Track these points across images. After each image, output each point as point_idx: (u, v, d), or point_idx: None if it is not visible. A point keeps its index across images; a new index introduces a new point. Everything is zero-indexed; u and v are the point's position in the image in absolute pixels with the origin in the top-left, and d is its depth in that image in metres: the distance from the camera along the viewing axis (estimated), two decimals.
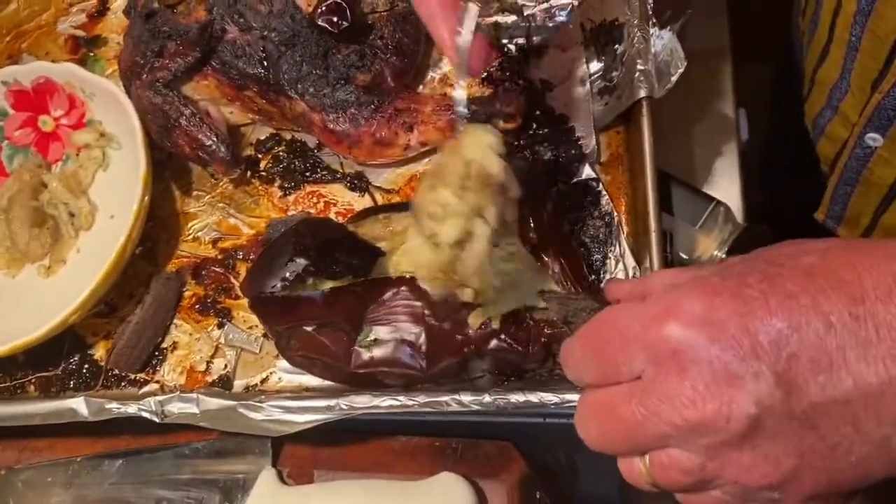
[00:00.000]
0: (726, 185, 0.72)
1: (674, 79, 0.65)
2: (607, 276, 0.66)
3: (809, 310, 0.35)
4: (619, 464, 0.42)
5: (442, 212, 0.54)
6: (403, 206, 0.70)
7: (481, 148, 0.55)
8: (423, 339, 0.61)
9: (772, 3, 0.97)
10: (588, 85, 0.71)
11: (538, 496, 0.65)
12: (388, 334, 0.62)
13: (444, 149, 0.58)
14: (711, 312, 0.36)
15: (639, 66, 0.66)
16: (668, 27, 0.66)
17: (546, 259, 0.59)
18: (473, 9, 0.52)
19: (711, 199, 0.69)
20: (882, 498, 0.41)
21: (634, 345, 0.38)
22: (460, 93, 0.56)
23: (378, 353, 0.62)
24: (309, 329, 0.63)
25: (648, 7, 0.67)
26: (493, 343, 0.59)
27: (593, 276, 0.66)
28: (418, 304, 0.62)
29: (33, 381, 0.72)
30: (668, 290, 0.40)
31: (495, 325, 0.59)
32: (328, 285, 0.64)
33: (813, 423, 0.35)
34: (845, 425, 0.35)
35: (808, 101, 0.82)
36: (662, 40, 0.66)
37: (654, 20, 0.67)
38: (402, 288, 0.62)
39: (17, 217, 0.74)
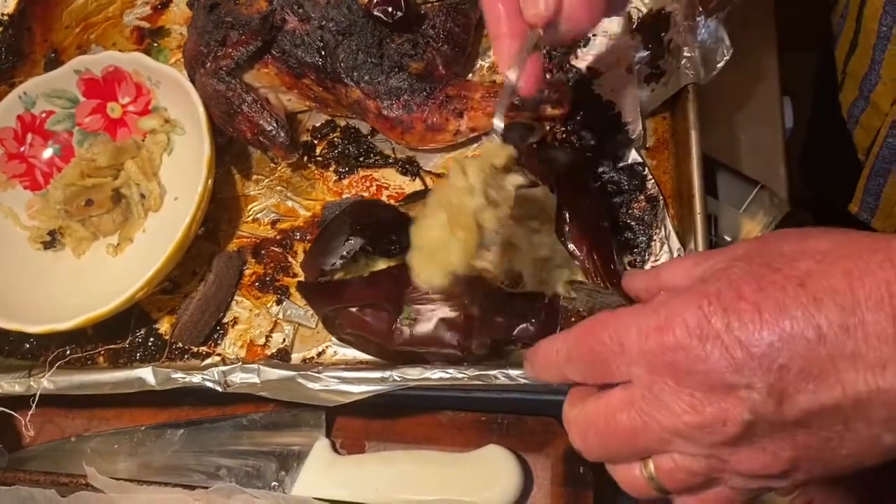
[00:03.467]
0: (770, 171, 0.73)
1: (720, 66, 0.66)
2: (652, 258, 0.67)
3: (801, 322, 0.36)
4: (616, 475, 0.43)
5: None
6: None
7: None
8: (459, 317, 0.63)
9: None
10: (635, 72, 0.73)
11: (581, 470, 0.66)
12: (427, 313, 0.64)
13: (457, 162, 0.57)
14: (707, 325, 0.37)
15: (685, 54, 0.67)
16: (715, 15, 0.67)
17: (579, 252, 0.61)
18: (533, 36, 0.53)
19: (756, 183, 0.70)
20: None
21: (631, 352, 0.40)
22: (498, 121, 0.56)
23: (418, 330, 0.64)
24: (353, 310, 0.65)
25: None
26: (526, 330, 0.61)
27: (637, 258, 0.67)
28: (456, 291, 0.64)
29: (102, 353, 0.76)
30: (668, 297, 0.40)
31: (530, 315, 0.61)
32: (381, 263, 0.66)
33: (805, 424, 0.36)
34: (836, 424, 0.36)
35: (842, 91, 0.82)
36: (709, 28, 0.68)
37: (701, 9, 0.68)
38: None
39: (96, 195, 0.78)
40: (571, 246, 0.61)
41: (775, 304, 0.36)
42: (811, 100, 1.05)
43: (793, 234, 0.40)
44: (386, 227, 0.67)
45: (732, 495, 0.40)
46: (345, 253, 0.64)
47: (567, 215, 0.62)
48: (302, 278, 0.74)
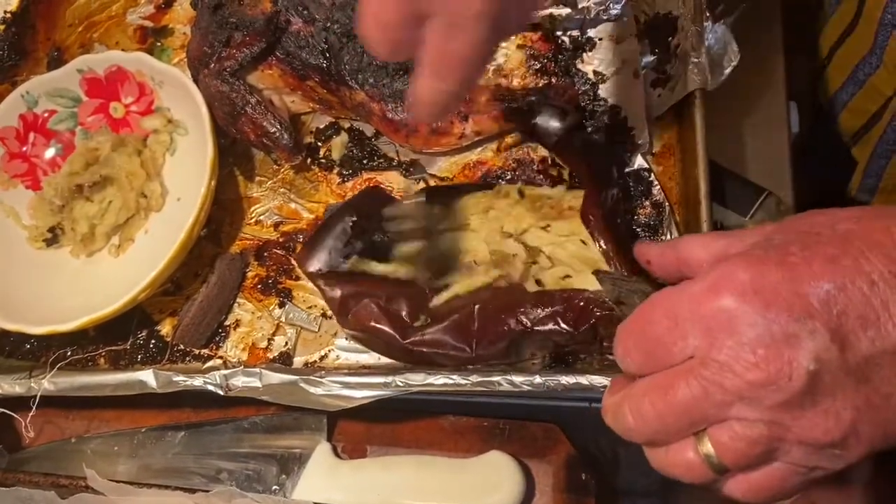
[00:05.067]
0: (777, 177, 0.73)
1: (727, 72, 0.66)
2: None
3: (852, 270, 0.37)
4: (667, 459, 0.41)
5: None
6: (462, 189, 0.72)
7: None
8: (475, 322, 0.63)
9: None
10: (641, 77, 0.72)
11: (584, 477, 0.66)
12: (441, 318, 0.64)
13: None
14: (761, 280, 0.38)
15: (692, 59, 0.67)
16: (722, 20, 0.67)
17: (604, 242, 0.61)
18: None
19: (762, 190, 0.70)
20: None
21: (686, 323, 0.39)
22: None
23: (430, 332, 0.64)
24: (371, 301, 0.65)
25: (702, 0, 0.68)
26: (541, 324, 0.61)
27: None
28: (472, 298, 0.64)
29: (104, 354, 0.76)
30: (713, 265, 0.40)
31: (546, 309, 0.61)
32: (380, 267, 0.66)
33: (866, 376, 0.37)
34: None
35: (824, 77, 0.82)
36: (716, 33, 0.67)
37: (708, 13, 0.68)
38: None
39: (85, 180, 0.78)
40: (597, 235, 0.61)
41: (825, 257, 0.37)
42: (811, 92, 1.04)
43: (820, 211, 0.41)
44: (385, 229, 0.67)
45: (788, 474, 0.40)
46: (343, 255, 0.65)
47: (594, 202, 0.62)
48: (304, 281, 0.73)
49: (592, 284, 0.60)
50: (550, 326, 0.61)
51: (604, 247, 0.61)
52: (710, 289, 0.39)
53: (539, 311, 0.61)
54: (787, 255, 0.38)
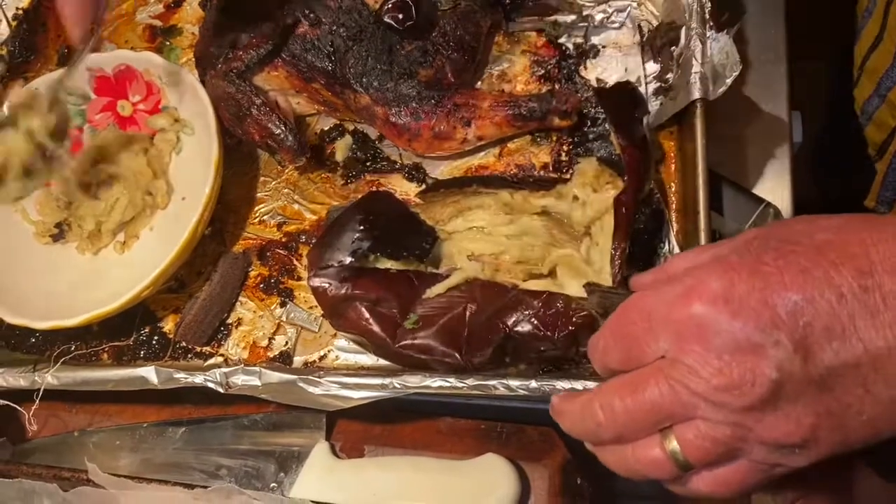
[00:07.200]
0: (776, 187, 0.73)
1: (728, 81, 0.66)
2: None
3: (822, 282, 0.37)
4: (634, 456, 0.42)
5: None
6: (475, 181, 0.72)
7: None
8: (464, 331, 0.64)
9: None
10: (643, 85, 0.73)
11: (579, 481, 0.67)
12: (432, 321, 0.64)
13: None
14: (731, 289, 0.38)
15: (694, 69, 0.67)
16: (725, 30, 0.67)
17: (617, 236, 0.61)
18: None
19: (761, 200, 0.70)
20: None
21: (659, 325, 0.40)
22: None
23: (420, 337, 0.64)
24: (362, 305, 0.66)
25: (705, 10, 0.68)
26: (522, 326, 0.62)
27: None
28: (464, 299, 0.65)
29: (107, 349, 0.77)
30: (689, 270, 0.42)
31: (525, 310, 0.62)
32: (388, 264, 0.67)
33: (828, 386, 0.38)
34: (857, 387, 0.37)
35: (857, 87, 0.82)
36: (718, 43, 0.67)
37: (711, 23, 0.68)
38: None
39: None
40: (620, 225, 0.62)
41: (797, 268, 0.38)
42: (823, 107, 1.04)
43: (803, 218, 0.42)
44: (397, 232, 0.68)
45: (750, 471, 0.41)
46: (351, 252, 0.65)
47: (635, 192, 0.63)
48: (305, 281, 0.74)
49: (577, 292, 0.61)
50: (529, 329, 0.61)
51: (617, 245, 0.61)
52: (682, 295, 0.40)
53: (518, 313, 0.62)
54: (761, 263, 0.39)
